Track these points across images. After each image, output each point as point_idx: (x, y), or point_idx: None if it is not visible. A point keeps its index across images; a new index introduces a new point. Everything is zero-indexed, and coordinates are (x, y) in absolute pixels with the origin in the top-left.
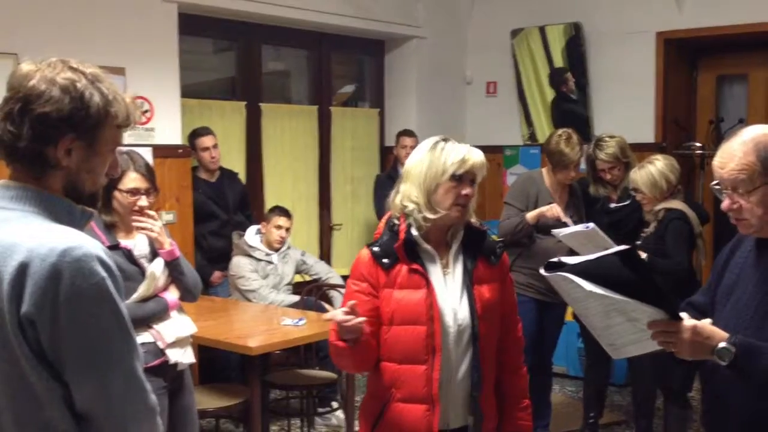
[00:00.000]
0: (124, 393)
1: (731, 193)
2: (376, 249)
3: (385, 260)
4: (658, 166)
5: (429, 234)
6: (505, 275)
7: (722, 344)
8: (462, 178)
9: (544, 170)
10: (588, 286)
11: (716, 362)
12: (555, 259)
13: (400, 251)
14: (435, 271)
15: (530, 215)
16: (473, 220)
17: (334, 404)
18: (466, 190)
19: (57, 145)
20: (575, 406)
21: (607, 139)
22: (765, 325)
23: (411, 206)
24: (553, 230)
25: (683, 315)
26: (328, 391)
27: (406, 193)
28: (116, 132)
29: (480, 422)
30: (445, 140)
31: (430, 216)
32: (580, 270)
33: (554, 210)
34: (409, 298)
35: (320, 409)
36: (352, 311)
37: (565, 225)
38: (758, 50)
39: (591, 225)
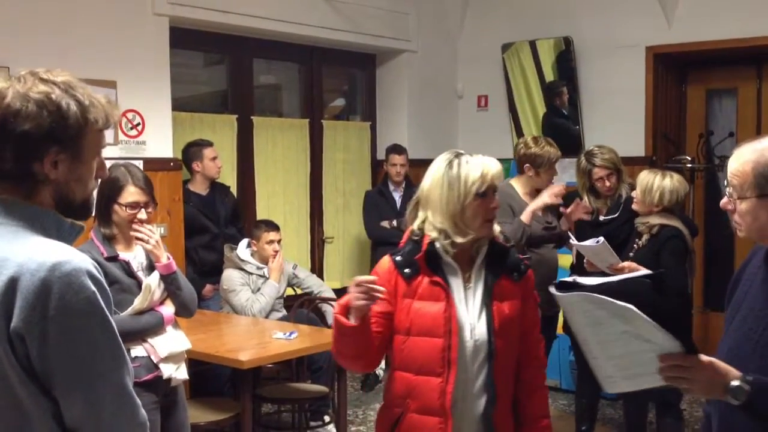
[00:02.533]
0: (113, 409)
1: (731, 193)
2: (398, 258)
3: (406, 270)
4: (665, 180)
5: (456, 248)
6: (529, 293)
7: (736, 382)
8: (486, 193)
9: (513, 181)
10: (617, 302)
11: (729, 402)
12: (569, 279)
13: (422, 262)
14: (456, 285)
15: (524, 216)
16: (497, 233)
17: (326, 418)
18: (493, 204)
19: (43, 161)
20: (567, 420)
21: (598, 148)
22: None
23: (435, 234)
24: (571, 241)
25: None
26: (320, 405)
27: (429, 220)
28: (98, 136)
29: None
30: (457, 156)
31: (460, 240)
32: (602, 291)
33: (555, 189)
34: (428, 310)
35: (312, 423)
36: (376, 282)
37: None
38: (747, 65)
39: (601, 239)
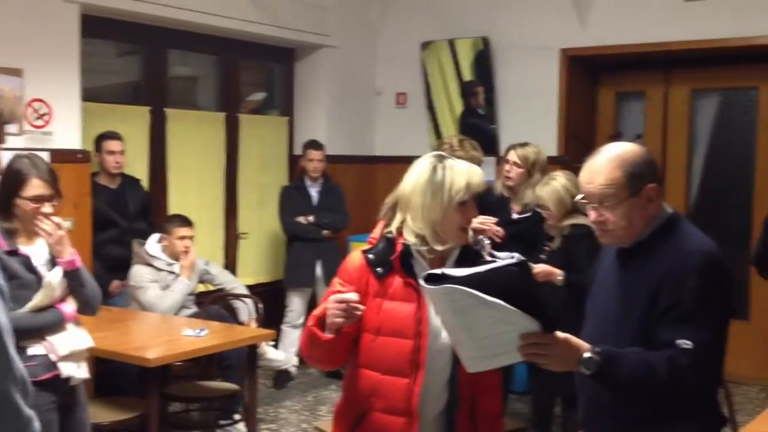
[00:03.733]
0: None
1: (598, 206)
2: (371, 256)
3: (379, 269)
4: (561, 182)
5: (425, 252)
6: None
7: (587, 354)
8: (467, 202)
9: None
10: (487, 297)
11: (582, 372)
12: (437, 271)
13: (397, 263)
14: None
15: None
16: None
17: (237, 416)
18: (471, 214)
19: None
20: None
21: (530, 144)
22: (626, 331)
23: (413, 239)
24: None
25: None
26: (230, 403)
27: (408, 224)
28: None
29: None
30: (440, 160)
31: (439, 248)
32: (471, 281)
33: (486, 224)
34: (399, 310)
35: (222, 422)
36: (357, 301)
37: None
38: (655, 69)
39: (516, 256)
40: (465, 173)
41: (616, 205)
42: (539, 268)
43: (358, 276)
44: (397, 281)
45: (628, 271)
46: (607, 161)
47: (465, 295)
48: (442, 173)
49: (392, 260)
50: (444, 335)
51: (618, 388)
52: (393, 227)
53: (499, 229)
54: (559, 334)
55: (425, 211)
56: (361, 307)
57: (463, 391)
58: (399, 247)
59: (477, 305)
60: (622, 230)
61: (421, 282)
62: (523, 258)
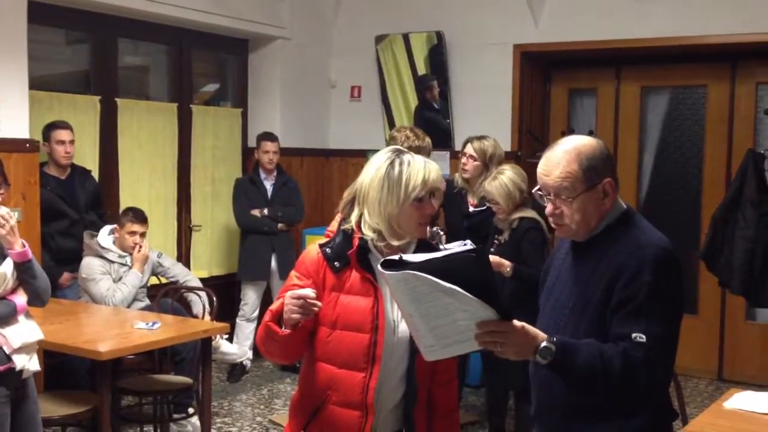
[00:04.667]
0: None
1: (554, 199)
2: (327, 250)
3: (336, 263)
4: (509, 175)
5: (383, 246)
6: None
7: (543, 344)
8: (423, 198)
9: None
10: (444, 283)
11: (538, 361)
12: (395, 257)
13: (353, 257)
14: (384, 282)
15: None
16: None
17: (190, 410)
18: (428, 210)
19: None
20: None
21: (489, 138)
22: (580, 324)
23: (371, 233)
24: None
25: None
26: (184, 397)
27: (365, 219)
28: None
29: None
30: (398, 155)
31: (396, 243)
32: (427, 267)
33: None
34: (356, 305)
35: (175, 415)
36: (314, 298)
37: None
38: (606, 66)
39: (467, 243)
40: (422, 169)
41: (572, 198)
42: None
43: (314, 270)
44: (354, 275)
45: (582, 264)
46: (564, 154)
47: (422, 282)
48: (399, 168)
49: (349, 255)
50: (401, 329)
51: (572, 379)
52: (352, 221)
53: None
54: (516, 322)
55: (381, 206)
56: (318, 303)
57: (420, 384)
58: (356, 242)
59: (434, 292)
60: (577, 224)
61: (379, 267)
62: (478, 245)
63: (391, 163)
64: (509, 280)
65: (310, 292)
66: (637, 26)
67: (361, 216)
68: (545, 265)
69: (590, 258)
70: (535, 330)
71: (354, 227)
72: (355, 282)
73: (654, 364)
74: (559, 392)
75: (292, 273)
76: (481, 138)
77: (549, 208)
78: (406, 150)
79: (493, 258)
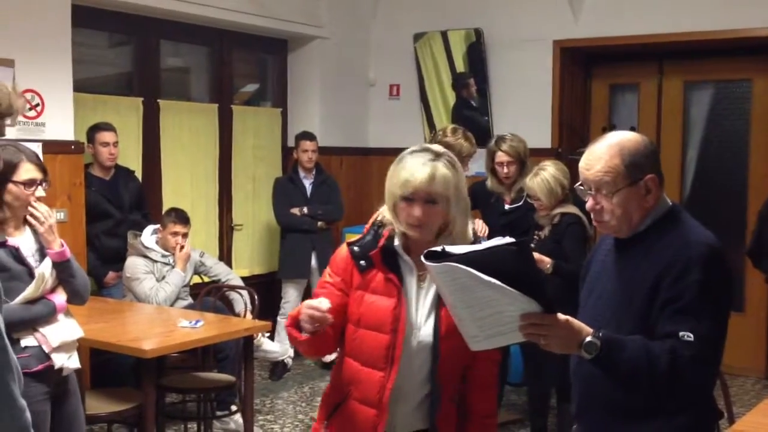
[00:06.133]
0: None
1: (595, 194)
2: (356, 249)
3: (362, 262)
4: (550, 171)
5: (411, 245)
6: None
7: (589, 338)
8: (412, 199)
9: None
10: (484, 276)
11: (582, 356)
12: (437, 248)
13: (377, 258)
14: (410, 283)
15: None
16: (466, 234)
17: (233, 407)
18: (415, 212)
19: None
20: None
21: (510, 135)
22: (623, 320)
23: (388, 218)
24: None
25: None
26: (227, 395)
27: (386, 211)
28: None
29: None
30: (414, 152)
31: (403, 229)
32: (469, 260)
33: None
34: (378, 305)
35: (218, 413)
36: (326, 311)
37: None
38: (648, 61)
39: (508, 237)
40: (409, 169)
41: (613, 193)
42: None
43: (344, 268)
44: (379, 275)
45: (626, 261)
46: (607, 148)
47: (463, 274)
48: (398, 164)
49: (371, 256)
50: (423, 332)
51: (617, 375)
52: (380, 215)
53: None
54: (561, 316)
55: (387, 197)
56: (329, 317)
57: (444, 392)
58: (381, 242)
59: (475, 284)
60: (618, 219)
61: (422, 258)
62: (522, 239)
63: (402, 157)
64: (550, 276)
65: (324, 303)
66: (679, 20)
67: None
68: (587, 261)
69: (634, 255)
70: (580, 324)
71: (381, 224)
72: (379, 282)
73: (701, 364)
74: (601, 389)
75: (326, 270)
76: (507, 139)
77: (590, 203)
78: (419, 149)
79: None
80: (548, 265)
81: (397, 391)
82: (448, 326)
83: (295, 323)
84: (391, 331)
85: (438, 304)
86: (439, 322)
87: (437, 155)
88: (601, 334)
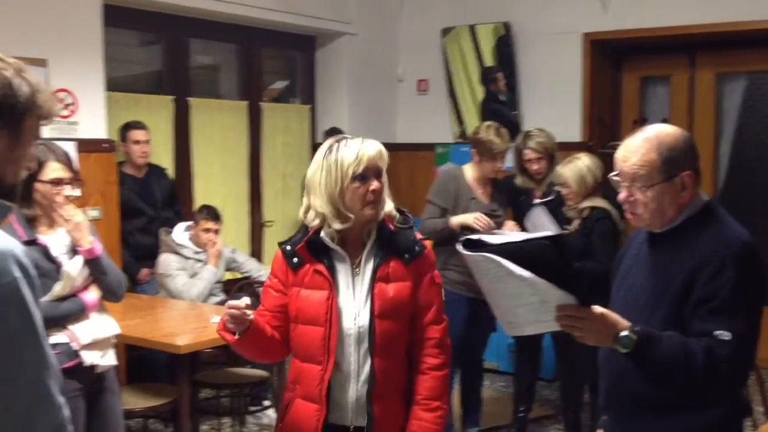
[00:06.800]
0: (27, 406)
1: (629, 186)
2: (287, 248)
3: (294, 260)
4: (584, 161)
5: (345, 234)
6: (422, 274)
7: (624, 332)
8: (364, 176)
9: (466, 166)
10: (516, 268)
11: (617, 349)
12: (474, 237)
13: (303, 251)
14: (343, 271)
15: (454, 221)
16: (392, 213)
17: (266, 402)
18: (372, 186)
19: None
20: (505, 401)
21: (537, 131)
22: (653, 315)
23: (317, 220)
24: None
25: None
26: (260, 390)
27: (313, 206)
28: (37, 124)
29: (371, 423)
30: (339, 141)
31: (339, 226)
32: (505, 251)
33: (482, 221)
34: (312, 299)
35: (251, 408)
36: (244, 307)
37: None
38: (680, 53)
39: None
40: (357, 147)
41: (648, 187)
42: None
43: (279, 268)
44: (310, 270)
45: (659, 256)
46: (644, 141)
47: (497, 265)
48: (336, 151)
49: (298, 250)
50: (360, 320)
51: (651, 370)
52: (301, 213)
53: (490, 223)
54: (596, 308)
55: (323, 189)
56: (249, 313)
57: (381, 375)
58: (308, 236)
59: (509, 275)
60: (651, 213)
61: (458, 246)
62: (558, 232)
63: (329, 148)
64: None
65: (243, 301)
66: (711, 10)
67: (309, 206)
68: (619, 254)
69: (667, 250)
70: (615, 317)
71: (311, 219)
72: (310, 276)
73: (738, 362)
74: (630, 381)
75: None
76: (533, 136)
77: (623, 194)
78: (348, 136)
79: None
80: None
81: (337, 383)
82: (382, 305)
83: (225, 326)
84: (325, 322)
85: (372, 288)
86: (373, 303)
87: (364, 139)
88: (637, 329)
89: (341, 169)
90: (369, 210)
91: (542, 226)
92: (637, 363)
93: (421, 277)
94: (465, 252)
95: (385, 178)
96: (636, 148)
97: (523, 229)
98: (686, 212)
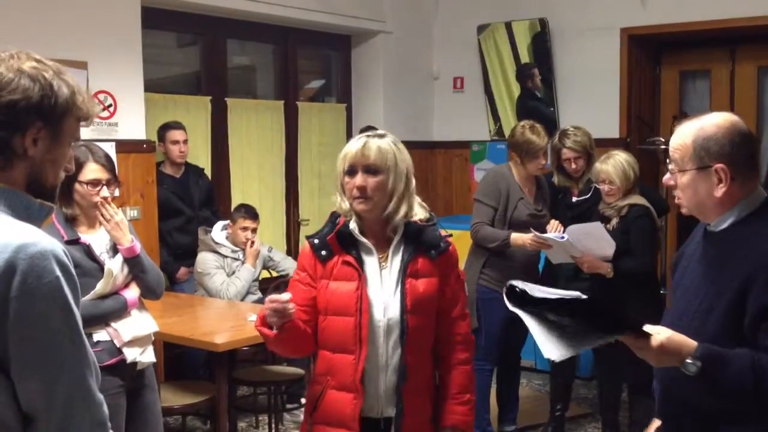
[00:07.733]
0: (67, 403)
1: (672, 167)
2: (315, 241)
3: (322, 252)
4: (623, 156)
5: (367, 228)
6: (449, 271)
7: (688, 360)
8: (351, 171)
9: (510, 164)
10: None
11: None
12: (518, 286)
13: (333, 243)
14: (371, 264)
15: (515, 240)
16: (421, 214)
17: (302, 400)
18: (356, 182)
19: (25, 134)
20: (542, 400)
21: (573, 129)
22: (708, 318)
23: (344, 208)
24: (534, 232)
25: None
26: (296, 387)
27: (341, 200)
28: (77, 125)
29: (400, 414)
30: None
31: (355, 220)
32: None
33: (537, 242)
34: (342, 290)
35: (288, 405)
36: (288, 300)
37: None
38: (720, 46)
39: (566, 236)
40: (346, 148)
41: (681, 172)
42: (585, 259)
43: (308, 262)
44: (339, 262)
45: (712, 260)
46: (689, 126)
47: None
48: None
49: (329, 241)
50: (390, 311)
51: (717, 391)
52: (336, 205)
53: (544, 244)
54: (655, 340)
55: (336, 185)
56: (291, 306)
57: (412, 368)
58: (337, 228)
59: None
60: (687, 200)
61: (504, 295)
62: (586, 297)
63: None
64: (611, 280)
65: (285, 295)
66: (751, 4)
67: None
68: (679, 251)
69: (721, 251)
70: (678, 343)
71: (337, 213)
72: (340, 267)
73: None
74: (682, 391)
75: (295, 270)
76: (570, 134)
77: (667, 175)
78: (371, 133)
79: (590, 260)
80: (608, 269)
81: (371, 372)
82: (413, 300)
83: (265, 322)
84: (356, 312)
85: (403, 281)
86: (405, 298)
87: (374, 135)
88: (701, 353)
89: (339, 165)
90: (357, 205)
91: (600, 247)
92: (704, 385)
93: (448, 273)
94: (508, 304)
95: (393, 176)
96: (680, 131)
97: (566, 227)
98: (738, 209)
